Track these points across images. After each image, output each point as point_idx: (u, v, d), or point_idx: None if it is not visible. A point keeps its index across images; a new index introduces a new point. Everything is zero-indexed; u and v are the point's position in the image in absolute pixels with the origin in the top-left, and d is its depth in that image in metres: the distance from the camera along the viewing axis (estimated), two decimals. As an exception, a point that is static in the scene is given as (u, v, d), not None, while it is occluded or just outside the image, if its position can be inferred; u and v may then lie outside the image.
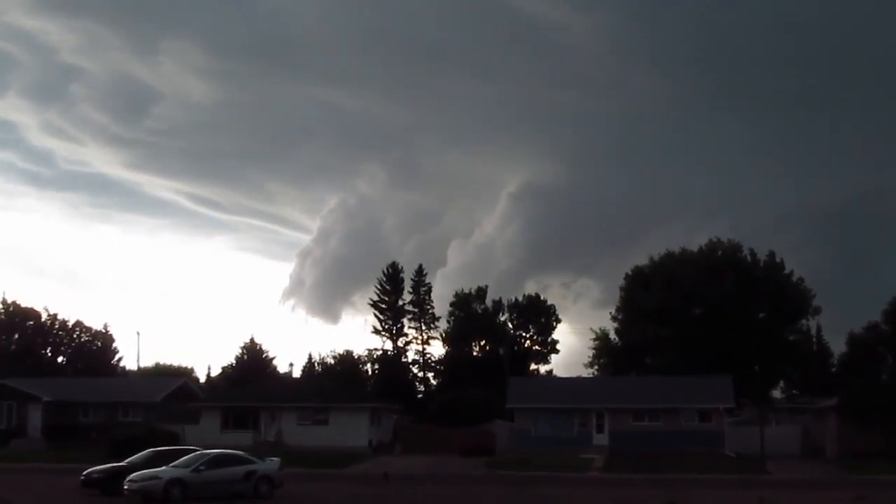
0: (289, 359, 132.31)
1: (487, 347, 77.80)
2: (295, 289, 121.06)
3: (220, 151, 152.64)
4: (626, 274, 71.40)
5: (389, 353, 78.04)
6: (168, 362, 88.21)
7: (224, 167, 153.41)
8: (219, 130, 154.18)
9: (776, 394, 68.93)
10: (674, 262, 68.58)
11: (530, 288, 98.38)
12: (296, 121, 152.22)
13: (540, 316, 78.90)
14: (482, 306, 79.70)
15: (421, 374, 79.60)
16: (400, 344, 78.53)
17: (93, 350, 78.81)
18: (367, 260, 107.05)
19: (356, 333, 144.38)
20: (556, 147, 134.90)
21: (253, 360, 75.39)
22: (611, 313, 72.10)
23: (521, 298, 79.98)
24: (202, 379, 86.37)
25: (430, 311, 79.58)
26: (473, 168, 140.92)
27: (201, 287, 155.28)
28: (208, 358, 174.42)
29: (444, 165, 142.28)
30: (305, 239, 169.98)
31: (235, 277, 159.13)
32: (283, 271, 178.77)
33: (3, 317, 76.77)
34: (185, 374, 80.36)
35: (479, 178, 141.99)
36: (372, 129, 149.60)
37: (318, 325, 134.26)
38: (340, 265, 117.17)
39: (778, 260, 67.22)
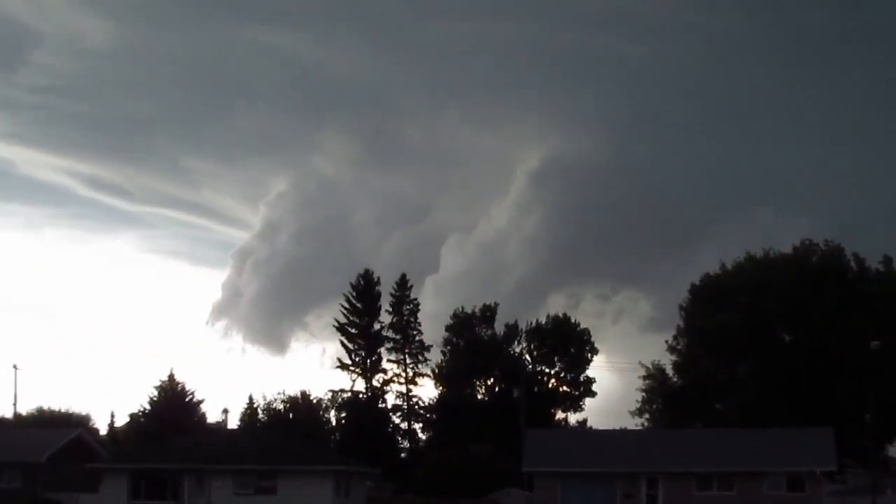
0: (222, 402, 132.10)
1: (497, 388, 78.08)
2: (229, 305, 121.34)
3: (127, 117, 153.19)
4: (692, 286, 71.92)
5: (361, 395, 78.16)
6: (56, 407, 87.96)
7: (132, 139, 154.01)
8: (124, 88, 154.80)
9: (893, 452, 69.17)
10: (755, 271, 68.72)
11: (556, 304, 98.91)
12: (232, 75, 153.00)
13: (569, 344, 79.16)
14: (489, 331, 79.95)
15: (405, 426, 79.88)
16: (376, 383, 78.67)
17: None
18: (329, 266, 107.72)
19: (313, 368, 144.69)
20: (594, 110, 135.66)
21: (173, 405, 75.33)
22: (667, 342, 72.74)
23: (543, 320, 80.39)
24: (103, 430, 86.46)
25: (418, 339, 79.92)
26: (478, 138, 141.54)
27: (102, 303, 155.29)
28: (111, 401, 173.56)
29: (436, 135, 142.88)
30: (243, 237, 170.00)
31: (148, 289, 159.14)
32: (213, 281, 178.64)
33: None
34: (79, 423, 79.99)
35: (485, 151, 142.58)
36: (338, 86, 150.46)
37: (261, 355, 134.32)
38: (292, 273, 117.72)
39: (897, 268, 67.58)
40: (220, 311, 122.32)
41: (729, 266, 71.03)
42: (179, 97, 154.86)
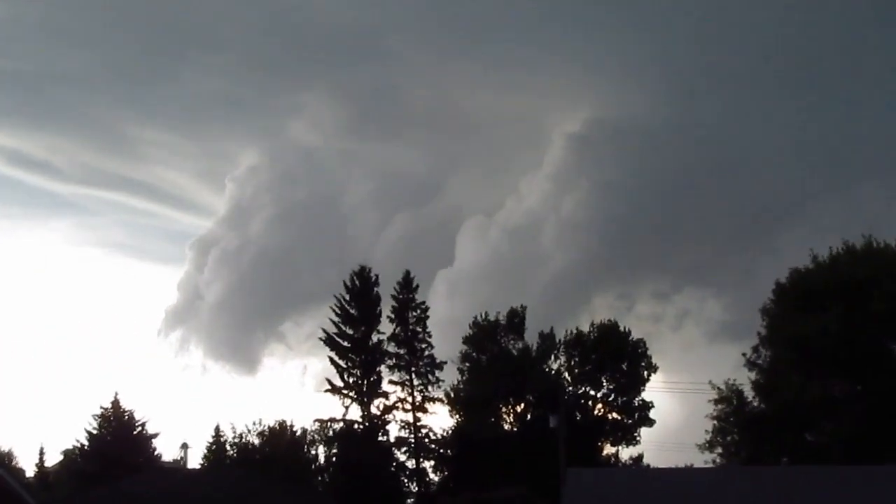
0: (180, 435, 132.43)
1: (528, 416, 78.48)
2: (186, 310, 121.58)
3: (55, 74, 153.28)
4: (776, 284, 71.73)
5: (356, 426, 78.23)
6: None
7: (62, 102, 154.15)
8: (53, 38, 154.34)
9: None
10: (854, 265, 68.63)
11: (601, 308, 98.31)
12: (188, 21, 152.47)
13: (619, 359, 79.64)
14: (519, 343, 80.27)
15: (412, 463, 79.99)
16: (374, 410, 78.68)
17: None
18: (313, 260, 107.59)
19: (292, 390, 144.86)
20: (653, 59, 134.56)
21: (118, 439, 75.77)
22: (744, 354, 72.47)
23: (586, 328, 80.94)
24: (30, 471, 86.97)
25: (427, 354, 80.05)
26: (502, 94, 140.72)
27: (27, 309, 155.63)
28: (40, 435, 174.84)
29: (449, 92, 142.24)
30: (204, 225, 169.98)
31: (85, 291, 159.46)
32: (165, 280, 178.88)
33: None
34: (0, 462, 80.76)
35: (511, 111, 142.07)
36: (323, 33, 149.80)
37: (226, 374, 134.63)
38: (265, 270, 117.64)
39: None
40: (175, 318, 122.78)
41: (823, 259, 70.67)
42: (121, 49, 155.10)
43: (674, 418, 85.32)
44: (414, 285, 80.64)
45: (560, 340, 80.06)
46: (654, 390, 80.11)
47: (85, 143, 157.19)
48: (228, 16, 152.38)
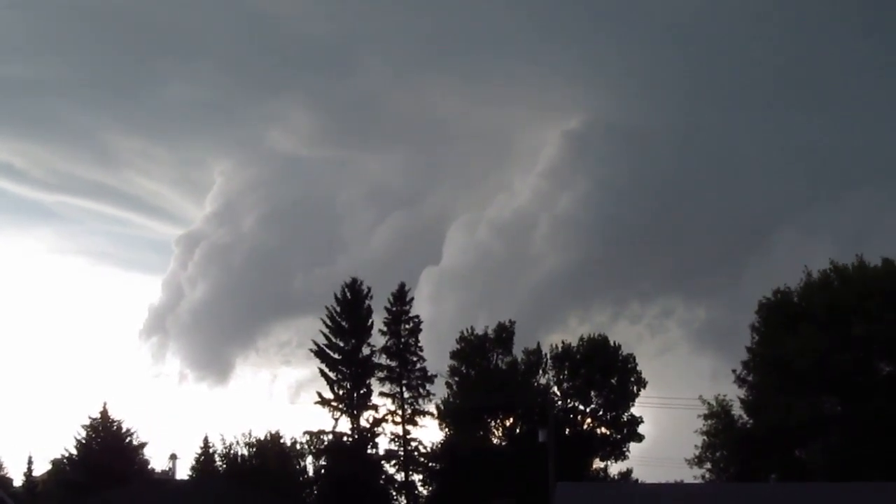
0: (161, 444, 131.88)
1: (517, 430, 78.27)
2: (168, 310, 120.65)
3: (33, 81, 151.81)
4: (763, 300, 71.57)
5: (346, 439, 78.07)
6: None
7: (39, 110, 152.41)
8: (29, 45, 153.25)
9: None
10: (844, 284, 68.61)
11: (593, 320, 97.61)
12: (164, 28, 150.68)
13: (608, 374, 79.25)
14: (507, 357, 79.94)
15: (401, 476, 79.72)
16: (364, 423, 78.46)
17: None
18: (290, 269, 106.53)
19: (275, 402, 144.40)
20: (649, 64, 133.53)
21: (107, 450, 75.49)
22: (734, 371, 72.42)
23: (576, 342, 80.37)
24: (18, 481, 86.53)
25: (419, 367, 79.78)
26: (496, 92, 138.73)
27: (13, 317, 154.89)
28: (27, 445, 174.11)
29: (437, 91, 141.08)
30: (177, 234, 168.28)
31: (68, 300, 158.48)
32: (149, 288, 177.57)
33: None
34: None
35: (505, 109, 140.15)
36: (303, 40, 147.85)
37: (202, 382, 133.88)
38: (244, 277, 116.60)
39: None
40: (155, 324, 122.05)
41: (813, 276, 70.55)
42: (100, 58, 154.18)
43: (661, 433, 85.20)
44: (408, 299, 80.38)
45: (547, 354, 79.68)
46: (645, 405, 79.84)
47: (64, 152, 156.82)
48: (207, 26, 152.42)
